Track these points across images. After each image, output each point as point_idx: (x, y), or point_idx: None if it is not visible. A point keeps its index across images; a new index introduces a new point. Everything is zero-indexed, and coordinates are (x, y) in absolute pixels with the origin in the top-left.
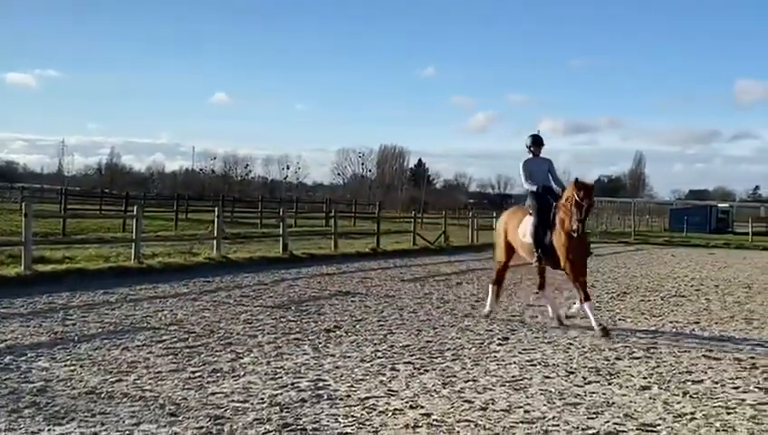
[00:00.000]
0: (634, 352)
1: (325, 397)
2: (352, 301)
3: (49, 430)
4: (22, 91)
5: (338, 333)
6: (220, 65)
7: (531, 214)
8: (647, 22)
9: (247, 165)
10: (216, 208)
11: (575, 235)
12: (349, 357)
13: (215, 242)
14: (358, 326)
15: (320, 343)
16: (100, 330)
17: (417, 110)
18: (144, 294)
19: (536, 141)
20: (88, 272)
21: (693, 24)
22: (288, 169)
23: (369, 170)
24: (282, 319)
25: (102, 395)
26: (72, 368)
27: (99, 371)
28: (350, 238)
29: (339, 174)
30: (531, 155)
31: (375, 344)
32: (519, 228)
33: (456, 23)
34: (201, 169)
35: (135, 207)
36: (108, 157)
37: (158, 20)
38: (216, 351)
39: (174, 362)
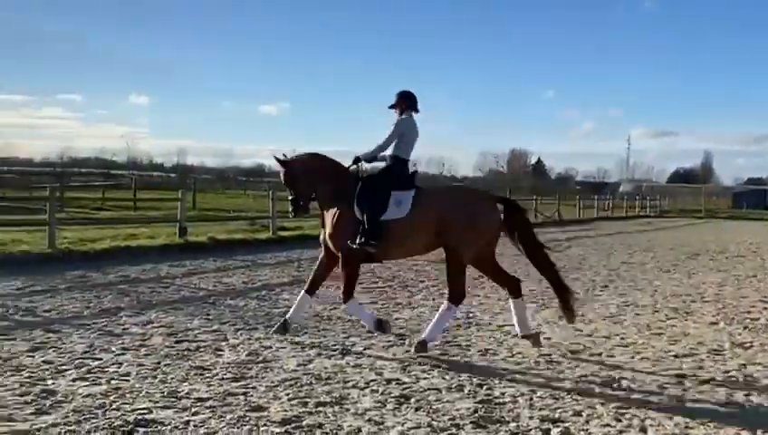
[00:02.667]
0: (705, 297)
1: (474, 324)
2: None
3: (290, 339)
4: (268, 117)
5: (482, 280)
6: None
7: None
8: (718, 50)
9: (415, 164)
10: None
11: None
12: (489, 297)
13: None
14: None
15: (469, 287)
16: None
17: (537, 120)
18: None
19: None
20: (311, 236)
21: (749, 48)
22: (444, 166)
23: (502, 166)
24: (440, 270)
25: (324, 318)
26: None
27: (321, 302)
28: None
29: (479, 169)
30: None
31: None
32: None
33: (574, 53)
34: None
35: None
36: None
37: (352, 53)
38: (397, 290)
39: (370, 298)
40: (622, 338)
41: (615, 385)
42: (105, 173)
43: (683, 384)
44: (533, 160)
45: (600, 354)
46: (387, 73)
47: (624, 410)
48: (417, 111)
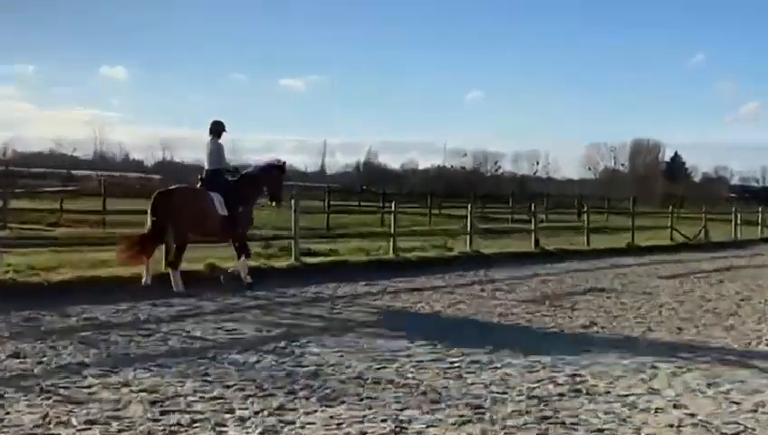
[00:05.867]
0: None
1: (584, 392)
2: (607, 297)
3: (322, 410)
4: (292, 95)
5: (594, 329)
6: (477, 63)
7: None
8: None
9: (497, 161)
10: (469, 205)
11: None
12: (606, 353)
13: (467, 237)
14: (614, 323)
15: (576, 338)
16: (363, 319)
17: (673, 100)
18: (402, 286)
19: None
20: (350, 264)
21: None
22: (537, 164)
23: (622, 164)
24: (536, 313)
25: (368, 381)
26: (341, 354)
27: (364, 358)
28: (602, 234)
29: (589, 169)
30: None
31: (633, 341)
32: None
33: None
34: (452, 166)
35: (392, 204)
36: (365, 156)
37: (411, 22)
38: (474, 342)
39: (433, 352)
40: None
41: None
42: (64, 174)
43: None
44: (668, 156)
45: None
46: (444, 44)
47: None
48: (211, 134)
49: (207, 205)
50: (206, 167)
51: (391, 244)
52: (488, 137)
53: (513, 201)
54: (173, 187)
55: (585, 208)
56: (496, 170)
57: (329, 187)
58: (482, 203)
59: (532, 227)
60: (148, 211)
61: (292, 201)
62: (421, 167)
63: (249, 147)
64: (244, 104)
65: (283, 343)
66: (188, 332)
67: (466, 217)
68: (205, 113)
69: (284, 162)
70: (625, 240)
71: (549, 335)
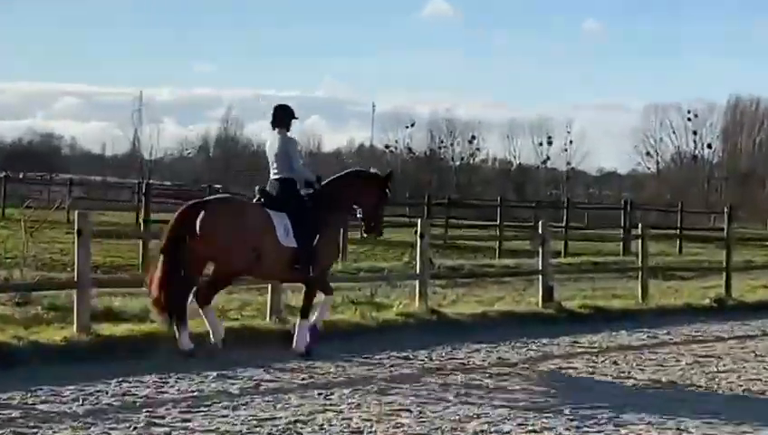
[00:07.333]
0: None
1: None
2: (682, 402)
3: None
4: None
5: None
6: None
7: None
8: None
9: (473, 137)
10: (420, 220)
11: None
12: None
13: (416, 284)
14: None
15: None
16: None
17: None
18: (290, 382)
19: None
20: (199, 336)
21: None
22: (550, 143)
23: (708, 146)
24: (544, 430)
25: None
26: None
27: None
28: (672, 278)
29: (647, 153)
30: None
31: None
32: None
33: None
34: (387, 147)
35: None
36: (220, 124)
37: None
38: None
39: None
40: None
41: None
42: None
43: None
44: None
45: None
46: None
47: None
48: (275, 126)
49: (263, 231)
50: (271, 175)
51: (270, 298)
52: (459, 91)
53: (504, 214)
54: (209, 198)
55: (639, 229)
56: (472, 154)
57: (149, 184)
58: (445, 215)
59: (540, 264)
60: (164, 234)
61: (77, 218)
62: (328, 147)
63: None
64: None
65: None
66: None
67: (414, 244)
68: None
69: (391, 171)
70: (713, 290)
71: None
